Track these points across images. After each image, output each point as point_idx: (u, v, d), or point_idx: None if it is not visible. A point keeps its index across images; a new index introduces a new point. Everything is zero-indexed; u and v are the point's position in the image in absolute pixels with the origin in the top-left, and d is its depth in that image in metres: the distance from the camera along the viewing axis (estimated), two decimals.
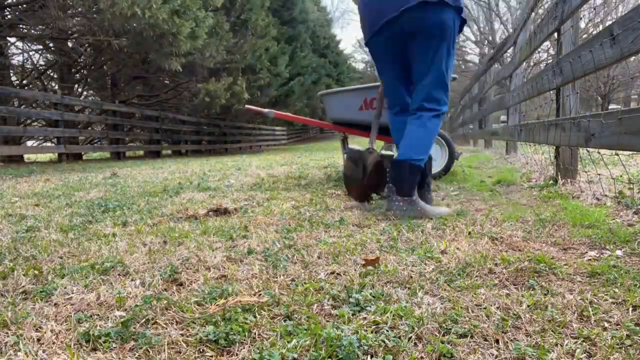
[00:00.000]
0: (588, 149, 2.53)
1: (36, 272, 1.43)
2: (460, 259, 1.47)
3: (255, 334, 1.00)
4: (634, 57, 2.38)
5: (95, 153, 12.21)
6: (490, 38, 15.03)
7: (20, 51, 10.63)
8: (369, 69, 42.96)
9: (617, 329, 0.98)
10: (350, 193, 2.78)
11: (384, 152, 2.64)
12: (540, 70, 3.82)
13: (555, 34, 3.22)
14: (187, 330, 1.03)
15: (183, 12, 8.42)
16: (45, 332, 1.01)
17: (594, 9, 3.26)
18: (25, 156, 10.59)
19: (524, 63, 4.89)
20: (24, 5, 8.51)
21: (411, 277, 1.32)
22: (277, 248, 1.67)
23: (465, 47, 18.18)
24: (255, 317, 1.08)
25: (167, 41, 8.56)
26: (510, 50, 5.85)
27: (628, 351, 0.89)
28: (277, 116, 4.20)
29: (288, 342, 0.95)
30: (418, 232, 1.85)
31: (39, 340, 0.99)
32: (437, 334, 0.98)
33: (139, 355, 0.93)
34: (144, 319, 1.07)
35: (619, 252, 1.51)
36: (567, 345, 0.92)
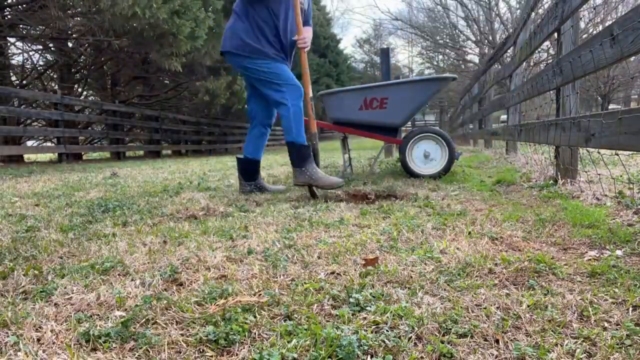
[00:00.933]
0: (588, 149, 2.53)
1: (36, 272, 1.43)
2: (460, 259, 1.47)
3: (255, 334, 1.00)
4: (634, 57, 2.38)
5: (95, 153, 12.22)
6: (490, 38, 15.03)
7: (20, 51, 10.62)
8: (369, 69, 42.97)
9: (617, 329, 0.98)
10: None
11: None
12: (540, 70, 3.82)
13: (555, 34, 3.22)
14: (187, 330, 1.03)
15: (183, 12, 8.42)
16: (45, 332, 1.01)
17: (594, 9, 3.26)
18: (25, 156, 10.59)
19: (524, 63, 4.89)
20: (24, 5, 8.51)
21: (411, 277, 1.32)
22: (277, 248, 1.67)
23: (465, 47, 18.18)
24: (255, 317, 1.08)
25: (167, 41, 8.57)
26: (510, 50, 5.85)
27: (628, 351, 0.89)
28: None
29: (288, 342, 0.95)
30: (418, 232, 1.85)
31: (39, 340, 0.99)
32: (437, 334, 0.98)
33: (139, 355, 0.93)
34: (144, 319, 1.07)
35: (619, 252, 1.51)
36: (567, 345, 0.92)
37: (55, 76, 11.34)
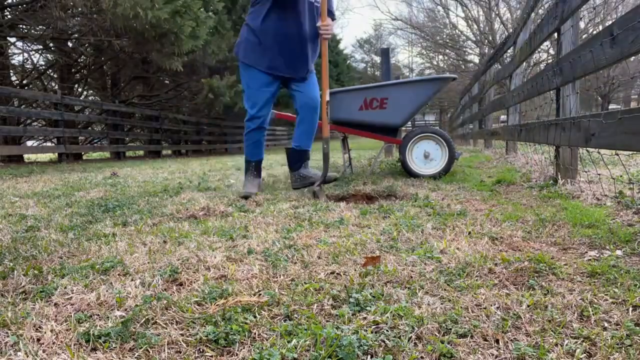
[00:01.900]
0: (588, 149, 2.53)
1: (36, 272, 1.43)
2: (460, 259, 1.47)
3: (255, 334, 1.00)
4: (634, 57, 2.37)
5: (95, 153, 12.21)
6: (490, 38, 15.03)
7: (20, 51, 10.63)
8: (369, 69, 42.96)
9: (617, 329, 0.98)
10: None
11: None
12: (540, 70, 3.82)
13: (555, 34, 3.22)
14: (187, 330, 1.03)
15: (184, 12, 8.42)
16: (45, 332, 1.01)
17: (594, 9, 3.26)
18: (25, 156, 10.59)
19: (524, 63, 4.89)
20: (24, 5, 8.51)
21: (411, 277, 1.32)
22: (277, 248, 1.67)
23: (465, 47, 18.18)
24: (255, 317, 1.08)
25: (168, 41, 8.57)
26: (510, 50, 5.85)
27: (628, 351, 0.89)
28: (278, 116, 4.21)
29: (288, 342, 0.95)
30: (418, 232, 1.85)
31: (39, 340, 0.99)
32: (437, 334, 0.98)
33: (139, 355, 0.93)
34: (144, 319, 1.07)
35: (619, 252, 1.51)
36: (567, 345, 0.92)
37: (55, 76, 11.35)
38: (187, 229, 2.04)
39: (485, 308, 1.10)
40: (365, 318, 1.05)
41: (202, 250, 1.65)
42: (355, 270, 1.40)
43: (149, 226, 2.13)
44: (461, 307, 1.10)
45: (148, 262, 1.51)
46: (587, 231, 1.80)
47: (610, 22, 2.08)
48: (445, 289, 1.23)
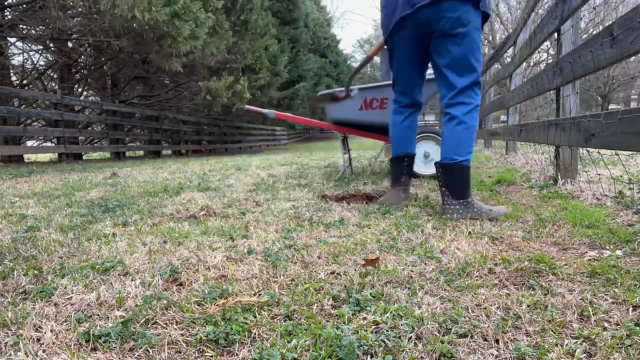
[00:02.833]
0: (588, 149, 2.53)
1: (36, 272, 1.43)
2: (460, 259, 1.47)
3: (255, 334, 1.00)
4: (634, 57, 2.37)
5: (95, 153, 12.22)
6: (490, 38, 15.03)
7: (20, 51, 10.63)
8: (369, 69, 42.96)
9: (617, 329, 0.98)
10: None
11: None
12: (540, 70, 3.82)
13: (555, 34, 3.22)
14: (187, 330, 1.03)
15: (183, 13, 8.42)
16: (45, 332, 1.01)
17: (594, 9, 3.26)
18: (25, 156, 10.60)
19: (524, 63, 4.89)
20: (24, 6, 8.51)
21: (411, 277, 1.32)
22: (277, 248, 1.67)
23: None
24: (255, 317, 1.08)
25: (167, 42, 8.57)
26: (510, 50, 5.85)
27: (628, 351, 0.89)
28: (278, 116, 4.21)
29: (288, 342, 0.95)
30: (418, 232, 1.85)
31: (39, 340, 0.99)
32: (437, 334, 0.98)
33: (138, 355, 0.93)
34: (144, 319, 1.07)
35: (619, 252, 1.51)
36: (567, 345, 0.92)
37: (55, 76, 11.35)
38: (187, 229, 2.04)
39: (485, 308, 1.10)
40: (365, 318, 1.05)
41: (202, 250, 1.65)
42: (355, 270, 1.40)
43: (149, 226, 2.13)
44: (461, 307, 1.10)
45: (148, 262, 1.51)
46: (587, 231, 1.80)
47: (610, 22, 2.07)
48: (445, 289, 1.23)
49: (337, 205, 2.59)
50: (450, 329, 0.99)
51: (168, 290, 1.27)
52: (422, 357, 0.90)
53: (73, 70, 10.92)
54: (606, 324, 1.01)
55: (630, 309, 1.08)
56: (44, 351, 0.94)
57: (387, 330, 0.99)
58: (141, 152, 13.63)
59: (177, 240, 1.82)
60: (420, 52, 2.41)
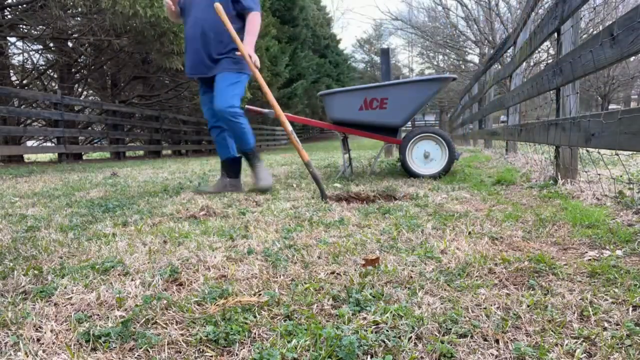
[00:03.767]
0: (588, 149, 2.53)
1: (36, 272, 1.43)
2: (460, 259, 1.47)
3: (255, 334, 1.00)
4: (634, 57, 2.37)
5: (95, 153, 12.22)
6: (490, 38, 15.02)
7: (20, 51, 10.63)
8: (368, 69, 42.97)
9: (617, 329, 0.98)
10: None
11: None
12: (540, 70, 3.82)
13: (555, 34, 3.22)
14: (187, 330, 1.03)
15: None
16: (45, 332, 1.01)
17: (594, 9, 3.26)
18: (25, 156, 10.60)
19: (524, 63, 4.89)
20: (24, 5, 8.51)
21: (411, 277, 1.32)
22: (277, 248, 1.67)
23: (465, 47, 18.18)
24: (255, 317, 1.08)
25: (168, 39, 8.57)
26: (510, 50, 5.84)
27: (628, 351, 0.89)
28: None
29: (288, 342, 0.95)
30: (418, 232, 1.85)
31: (39, 340, 0.99)
32: (437, 334, 0.98)
33: (138, 355, 0.93)
34: (144, 319, 1.07)
35: (619, 252, 1.51)
36: (567, 345, 0.92)
37: (55, 76, 11.35)
38: (187, 229, 2.04)
39: (485, 308, 1.10)
40: (365, 318, 1.05)
41: (202, 250, 1.65)
42: (355, 270, 1.40)
43: (149, 226, 2.13)
44: (461, 307, 1.10)
45: (148, 262, 1.51)
46: (587, 231, 1.80)
47: (610, 22, 2.07)
48: (445, 289, 1.23)
49: (337, 205, 2.59)
50: (450, 329, 0.99)
51: (168, 290, 1.27)
52: (422, 357, 0.90)
53: (73, 70, 10.92)
54: (606, 324, 1.01)
55: (630, 309, 1.08)
56: (44, 351, 0.94)
57: (387, 330, 0.99)
58: (141, 152, 13.63)
59: (177, 240, 1.82)
60: None
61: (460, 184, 3.41)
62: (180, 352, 0.94)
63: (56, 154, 9.03)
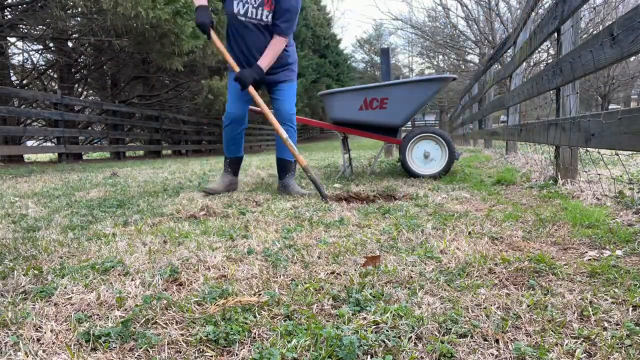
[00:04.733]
0: (588, 149, 2.53)
1: (36, 272, 1.43)
2: (460, 259, 1.47)
3: (255, 334, 1.00)
4: (634, 57, 2.37)
5: (95, 153, 12.22)
6: (491, 38, 15.02)
7: (20, 51, 10.65)
8: (368, 69, 42.96)
9: (617, 329, 0.98)
10: None
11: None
12: (540, 70, 3.82)
13: (555, 34, 3.22)
14: (187, 330, 1.03)
15: (185, 12, 8.43)
16: (45, 332, 1.01)
17: (594, 9, 3.26)
18: (25, 156, 10.60)
19: (524, 63, 4.89)
20: (24, 5, 8.51)
21: (411, 277, 1.32)
22: (277, 248, 1.67)
23: (465, 47, 18.17)
24: (255, 317, 1.08)
25: (169, 41, 8.58)
26: (510, 50, 5.84)
27: (628, 351, 0.89)
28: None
29: (288, 342, 0.95)
30: (418, 232, 1.85)
31: (39, 340, 0.99)
32: (437, 334, 0.98)
33: (138, 355, 0.93)
34: (144, 319, 1.07)
35: (619, 252, 1.51)
36: (567, 345, 0.92)
37: (55, 76, 11.35)
38: (187, 229, 2.04)
39: (485, 308, 1.10)
40: (365, 318, 1.05)
41: (202, 250, 1.65)
42: (355, 270, 1.40)
43: (149, 226, 2.13)
44: (461, 307, 1.10)
45: (148, 262, 1.51)
46: (587, 231, 1.80)
47: (610, 22, 2.07)
48: (445, 289, 1.23)
49: (337, 205, 2.59)
50: (450, 329, 0.99)
51: (168, 290, 1.27)
52: (422, 357, 0.90)
53: (73, 70, 10.92)
54: (606, 324, 1.01)
55: (630, 309, 1.08)
56: (44, 351, 0.94)
57: (387, 330, 0.99)
58: (141, 152, 13.63)
59: (177, 240, 1.82)
60: None
61: (460, 184, 3.41)
62: (180, 352, 0.94)
63: (56, 154, 9.04)
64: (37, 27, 9.02)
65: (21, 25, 8.83)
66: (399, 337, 0.96)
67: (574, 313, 1.07)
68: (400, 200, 2.70)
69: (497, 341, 0.95)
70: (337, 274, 1.38)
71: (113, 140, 10.78)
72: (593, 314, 1.05)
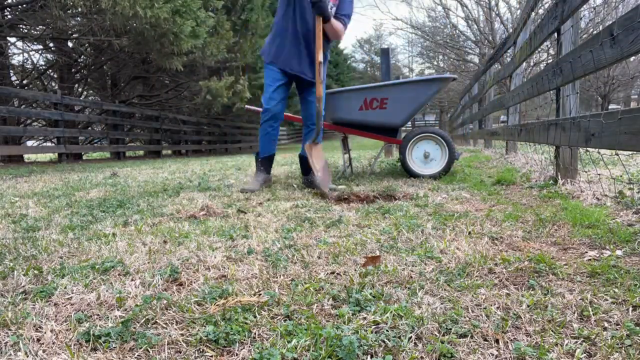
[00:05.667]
0: (588, 149, 2.53)
1: (36, 272, 1.43)
2: (460, 259, 1.47)
3: (255, 334, 1.00)
4: (634, 57, 2.38)
5: (95, 153, 12.22)
6: (490, 38, 15.02)
7: (20, 51, 10.64)
8: (369, 69, 42.96)
9: (617, 329, 0.98)
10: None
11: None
12: (540, 70, 3.82)
13: (555, 34, 3.22)
14: (187, 330, 1.03)
15: (184, 11, 8.42)
16: (45, 332, 1.01)
17: (594, 9, 3.26)
18: (25, 156, 10.60)
19: (524, 63, 4.89)
20: (24, 5, 8.51)
21: (411, 277, 1.32)
22: (277, 248, 1.67)
23: (465, 47, 18.17)
24: (255, 317, 1.08)
25: (168, 40, 8.57)
26: (510, 50, 5.84)
27: (628, 351, 0.89)
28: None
29: (288, 342, 0.95)
30: (418, 232, 1.85)
31: (39, 340, 0.99)
32: (437, 334, 0.98)
33: (138, 355, 0.93)
34: (144, 319, 1.07)
35: (619, 252, 1.51)
36: (567, 345, 0.92)
37: (55, 76, 11.35)
38: (187, 229, 2.04)
39: (485, 308, 1.10)
40: (365, 318, 1.05)
41: (202, 250, 1.65)
42: (355, 270, 1.40)
43: (149, 226, 2.13)
44: (461, 307, 1.10)
45: (148, 262, 1.51)
46: (587, 231, 1.80)
47: (610, 22, 2.07)
48: (445, 289, 1.23)
49: (337, 205, 2.59)
50: (450, 329, 0.99)
51: (168, 290, 1.27)
52: (422, 357, 0.90)
53: (73, 70, 10.92)
54: (606, 324, 1.01)
55: (630, 309, 1.08)
56: (44, 351, 0.94)
57: (387, 330, 0.99)
58: (141, 152, 13.63)
59: (177, 240, 1.82)
60: None
61: (460, 184, 3.41)
62: (180, 352, 0.94)
63: (56, 154, 9.03)
64: (37, 27, 9.02)
65: (21, 25, 8.83)
66: (399, 337, 0.96)
67: (574, 313, 1.07)
68: (400, 200, 2.70)
69: (497, 341, 0.95)
70: (337, 274, 1.38)
71: (113, 140, 10.78)
72: (593, 314, 1.05)
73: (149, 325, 1.05)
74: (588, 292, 1.18)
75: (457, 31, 17.93)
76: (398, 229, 1.91)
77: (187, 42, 8.68)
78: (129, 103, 12.28)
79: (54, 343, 0.98)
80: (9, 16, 8.78)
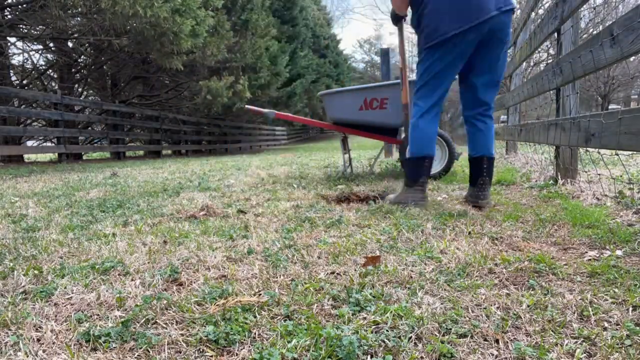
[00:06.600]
0: (588, 149, 2.53)
1: (36, 272, 1.43)
2: (460, 259, 1.47)
3: (255, 334, 1.00)
4: (634, 57, 2.38)
5: (95, 153, 12.22)
6: None
7: (20, 51, 10.64)
8: (368, 69, 42.96)
9: (617, 329, 0.98)
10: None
11: None
12: (540, 70, 3.82)
13: (555, 34, 3.22)
14: (187, 330, 1.03)
15: (184, 10, 8.42)
16: (45, 332, 1.01)
17: (594, 9, 3.26)
18: (25, 156, 10.59)
19: (524, 63, 4.89)
20: (24, 5, 8.51)
21: (411, 277, 1.32)
22: (277, 248, 1.67)
23: None
24: (255, 317, 1.08)
25: (168, 40, 8.57)
26: (510, 50, 5.84)
27: (628, 351, 0.89)
28: (278, 116, 4.21)
29: (288, 342, 0.95)
30: (418, 232, 1.85)
31: (39, 340, 0.99)
32: (437, 334, 0.98)
33: (138, 355, 0.93)
34: (144, 319, 1.07)
35: (619, 252, 1.51)
36: (567, 345, 0.92)
37: (55, 76, 11.34)
38: (187, 229, 2.04)
39: (485, 308, 1.10)
40: (365, 318, 1.05)
41: (202, 250, 1.65)
42: (355, 270, 1.40)
43: (149, 226, 2.12)
44: (461, 307, 1.10)
45: (148, 262, 1.51)
46: (587, 231, 1.80)
47: (610, 22, 2.07)
48: (445, 289, 1.23)
49: (337, 205, 2.59)
50: (450, 329, 0.99)
51: (168, 290, 1.27)
52: (422, 357, 0.90)
53: (73, 70, 10.91)
54: (606, 324, 1.01)
55: (630, 309, 1.08)
56: (44, 351, 0.94)
57: (387, 330, 0.99)
58: (141, 152, 13.63)
59: (177, 240, 1.82)
60: (465, 60, 2.38)
61: (460, 184, 3.41)
62: (180, 352, 0.94)
63: (56, 154, 9.03)
64: (37, 27, 9.02)
65: (21, 25, 8.83)
66: (399, 337, 0.96)
67: (574, 313, 1.07)
68: None
69: (497, 341, 0.95)
70: (337, 274, 1.38)
71: (113, 140, 10.77)
72: (593, 314, 1.05)
73: (149, 325, 1.05)
74: (588, 292, 1.18)
75: None
76: (398, 229, 1.91)
77: (186, 41, 8.68)
78: (129, 103, 12.28)
79: (54, 343, 0.98)
80: (9, 16, 8.78)
